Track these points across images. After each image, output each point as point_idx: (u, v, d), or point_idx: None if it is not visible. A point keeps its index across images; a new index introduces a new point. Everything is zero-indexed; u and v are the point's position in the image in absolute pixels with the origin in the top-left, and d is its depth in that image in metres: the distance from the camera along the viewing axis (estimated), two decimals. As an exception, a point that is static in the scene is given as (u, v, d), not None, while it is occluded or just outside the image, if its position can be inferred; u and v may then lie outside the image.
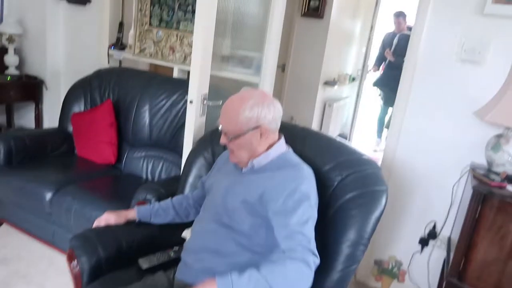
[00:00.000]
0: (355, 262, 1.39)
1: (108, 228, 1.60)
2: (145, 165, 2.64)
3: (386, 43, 5.07)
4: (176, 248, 1.60)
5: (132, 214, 1.63)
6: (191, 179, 1.89)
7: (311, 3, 4.29)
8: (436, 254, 2.24)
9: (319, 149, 1.62)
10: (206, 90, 2.01)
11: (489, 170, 1.87)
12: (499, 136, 1.84)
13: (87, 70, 2.97)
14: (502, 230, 1.67)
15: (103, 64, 3.17)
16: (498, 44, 1.96)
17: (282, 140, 1.45)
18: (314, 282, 1.27)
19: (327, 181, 1.53)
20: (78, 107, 2.84)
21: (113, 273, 1.47)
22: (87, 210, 2.11)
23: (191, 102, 1.98)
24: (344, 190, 1.48)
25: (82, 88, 2.88)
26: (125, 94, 2.76)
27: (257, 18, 2.53)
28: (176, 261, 1.49)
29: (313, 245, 1.20)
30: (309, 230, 1.22)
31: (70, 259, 1.42)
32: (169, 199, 1.72)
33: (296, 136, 1.71)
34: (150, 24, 2.98)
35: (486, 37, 1.97)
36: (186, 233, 1.70)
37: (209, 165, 1.84)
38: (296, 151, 1.49)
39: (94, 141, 2.65)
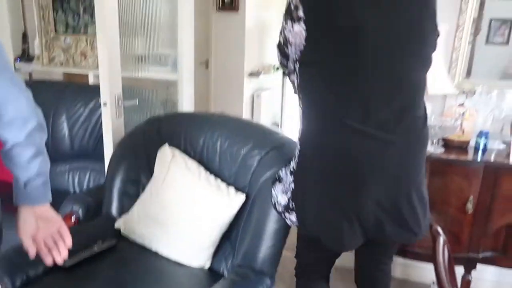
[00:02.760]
0: (284, 234, 1.45)
1: None
2: (71, 178, 2.52)
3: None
4: (99, 241, 1.58)
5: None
6: (117, 184, 1.84)
7: (225, -3, 4.32)
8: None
9: (237, 133, 1.65)
10: (119, 90, 1.96)
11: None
12: (403, 101, 1.99)
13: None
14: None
15: (10, 79, 2.96)
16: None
17: None
18: (247, 261, 1.31)
19: (247, 160, 1.57)
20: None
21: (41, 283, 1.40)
22: (6, 231, 1.97)
23: (105, 104, 1.92)
24: (265, 167, 1.53)
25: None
26: (38, 106, 2.60)
27: (168, 15, 2.50)
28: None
29: None
30: None
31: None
32: None
33: (214, 123, 1.74)
34: (56, 31, 2.84)
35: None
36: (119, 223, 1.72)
37: (142, 166, 1.80)
38: (214, 137, 1.51)
39: (10, 160, 2.47)
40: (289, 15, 1.16)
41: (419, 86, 1.19)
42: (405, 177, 1.21)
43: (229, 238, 1.60)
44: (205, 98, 4.50)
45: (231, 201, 1.52)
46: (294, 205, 1.30)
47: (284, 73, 1.31)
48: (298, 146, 1.29)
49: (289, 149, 1.56)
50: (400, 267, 2.38)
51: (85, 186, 2.48)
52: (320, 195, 1.24)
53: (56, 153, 2.53)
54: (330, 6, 1.10)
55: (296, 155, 1.30)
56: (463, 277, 1.85)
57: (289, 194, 1.32)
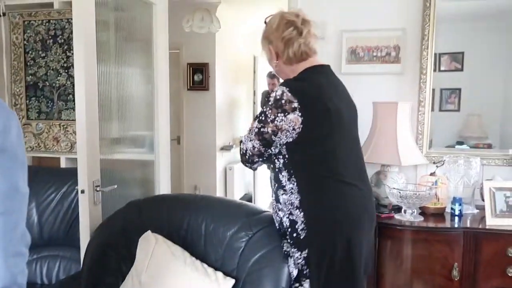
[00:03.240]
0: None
1: None
2: (39, 268, 2.35)
3: (262, 102, 5.42)
4: None
5: None
6: (95, 274, 1.74)
7: (195, 77, 4.51)
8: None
9: (222, 214, 1.64)
10: (97, 177, 1.93)
11: (378, 204, 2.07)
12: (378, 173, 2.07)
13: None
14: (400, 255, 1.82)
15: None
16: (358, 95, 2.26)
17: None
18: None
19: (234, 243, 1.54)
20: None
21: None
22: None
23: (82, 191, 1.87)
24: (253, 250, 1.50)
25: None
26: (5, 195, 2.49)
27: (141, 98, 2.56)
28: None
29: None
30: None
31: None
32: None
33: (197, 205, 1.73)
34: (28, 117, 2.82)
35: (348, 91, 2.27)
36: None
37: (122, 254, 1.73)
38: (198, 219, 1.49)
39: (-29, 254, 2.29)
40: (280, 108, 1.39)
41: None
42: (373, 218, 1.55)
43: (218, 326, 1.52)
44: (177, 173, 4.49)
45: (219, 287, 1.47)
46: (308, 271, 1.42)
47: (248, 161, 1.53)
48: (300, 213, 1.42)
49: (275, 229, 1.56)
50: None
51: (54, 276, 2.32)
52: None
53: (23, 242, 2.39)
54: (318, 96, 1.43)
55: (301, 222, 1.42)
56: None
57: (299, 264, 1.43)
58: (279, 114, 1.38)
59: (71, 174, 2.50)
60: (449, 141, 2.27)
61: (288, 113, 1.37)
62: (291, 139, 1.40)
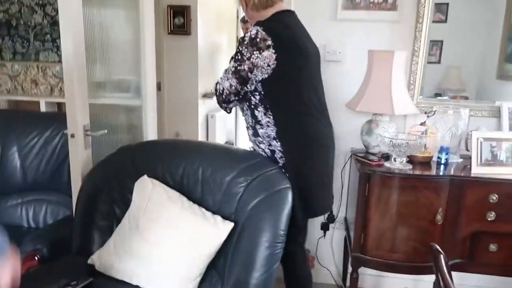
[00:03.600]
0: (276, 261, 1.44)
1: None
2: (24, 212, 2.33)
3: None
4: (73, 283, 1.48)
5: None
6: (88, 217, 1.74)
7: (176, 20, 4.30)
8: (337, 235, 2.46)
9: (219, 160, 1.64)
10: (87, 121, 1.87)
11: (367, 152, 2.12)
12: (370, 122, 2.10)
13: None
14: (388, 201, 1.90)
15: None
16: (353, 43, 2.24)
17: None
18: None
19: (233, 188, 1.56)
20: None
21: None
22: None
23: (72, 136, 1.81)
24: (252, 195, 1.52)
25: None
26: (-17, 138, 2.40)
27: (126, 41, 2.44)
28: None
29: None
30: None
31: None
32: None
33: (192, 151, 1.71)
34: (1, 58, 2.65)
35: (343, 39, 2.24)
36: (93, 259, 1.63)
37: (115, 198, 1.72)
38: (194, 165, 1.48)
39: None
40: (255, 46, 1.48)
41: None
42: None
43: (215, 266, 1.56)
44: (159, 120, 4.40)
45: (218, 230, 1.50)
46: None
47: (225, 101, 1.67)
48: (277, 142, 1.61)
49: (274, 174, 1.58)
50: (371, 278, 2.46)
51: (41, 220, 2.31)
52: (320, 166, 1.68)
53: (6, 186, 2.34)
54: (290, 35, 1.57)
55: (278, 151, 1.62)
56: (434, 284, 1.96)
57: None
58: (254, 52, 1.47)
59: (54, 118, 2.43)
60: (427, 93, 2.31)
61: (263, 50, 1.47)
62: (266, 75, 1.51)
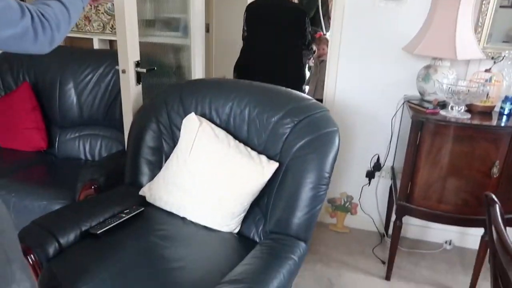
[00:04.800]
0: (319, 202, 1.45)
1: (55, 214, 1.54)
2: (82, 145, 2.47)
3: None
4: (127, 210, 1.59)
5: None
6: (139, 151, 1.81)
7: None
8: (382, 184, 2.42)
9: (266, 101, 1.62)
10: (137, 57, 1.89)
11: (422, 99, 2.00)
12: (427, 67, 1.96)
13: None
14: (440, 151, 1.81)
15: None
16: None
17: None
18: (282, 228, 1.30)
19: (279, 129, 1.55)
20: (-10, 96, 2.55)
21: (73, 251, 1.40)
22: (27, 202, 1.95)
23: (123, 71, 1.85)
24: (298, 136, 1.51)
25: (-10, 74, 2.57)
26: (43, 74, 2.51)
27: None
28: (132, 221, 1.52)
29: None
30: None
31: (26, 254, 1.31)
32: None
33: (240, 90, 1.70)
34: (57, -7, 2.69)
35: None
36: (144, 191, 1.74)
37: (164, 134, 1.78)
38: (241, 105, 1.47)
39: (18, 129, 2.40)
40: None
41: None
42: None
43: (258, 204, 1.60)
44: (206, 63, 4.40)
45: (263, 169, 1.51)
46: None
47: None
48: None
49: (322, 117, 1.55)
50: (416, 227, 2.44)
51: (96, 154, 2.45)
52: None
53: (65, 120, 2.48)
54: (253, 16, 2.96)
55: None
56: (482, 237, 1.91)
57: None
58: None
59: (106, 55, 2.48)
60: (495, 40, 2.08)
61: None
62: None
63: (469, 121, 1.78)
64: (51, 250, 1.38)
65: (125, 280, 1.25)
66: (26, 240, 1.34)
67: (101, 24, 2.68)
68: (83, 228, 1.47)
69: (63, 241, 1.41)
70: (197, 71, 2.54)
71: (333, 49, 2.27)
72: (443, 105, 1.90)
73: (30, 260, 1.32)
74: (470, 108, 1.88)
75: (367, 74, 2.25)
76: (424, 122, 1.80)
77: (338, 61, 2.28)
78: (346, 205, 2.49)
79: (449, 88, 1.75)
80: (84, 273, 1.27)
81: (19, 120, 2.39)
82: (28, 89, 2.43)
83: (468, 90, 1.74)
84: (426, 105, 1.90)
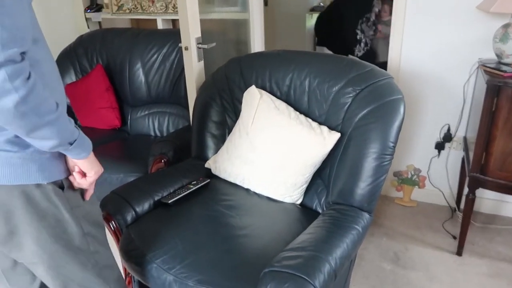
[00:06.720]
0: (383, 173, 1.41)
1: (131, 185, 1.65)
2: (151, 122, 2.62)
3: None
4: (194, 182, 1.68)
5: None
6: (204, 126, 1.88)
7: None
8: (453, 155, 2.28)
9: (326, 70, 1.59)
10: (198, 34, 1.94)
11: (499, 62, 1.84)
12: (506, 26, 1.79)
13: (68, 38, 2.85)
14: (519, 118, 1.67)
15: (83, 29, 3.03)
16: None
17: None
18: (345, 198, 1.29)
19: (340, 99, 1.52)
20: (70, 78, 2.76)
21: (147, 219, 1.52)
22: (106, 174, 2.09)
23: (186, 48, 1.91)
24: (360, 105, 1.47)
25: (68, 58, 2.78)
26: (113, 56, 2.67)
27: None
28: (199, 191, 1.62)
29: None
30: None
31: (107, 220, 1.45)
32: None
33: (299, 62, 1.68)
34: (121, -24, 2.82)
35: None
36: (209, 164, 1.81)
37: (226, 108, 1.83)
38: (301, 76, 1.45)
39: (95, 108, 2.60)
40: None
41: None
42: None
43: (320, 175, 1.60)
44: (267, 35, 4.39)
45: (324, 140, 1.50)
46: None
47: None
48: None
49: (385, 84, 1.49)
50: (490, 202, 2.29)
51: (165, 130, 2.58)
52: None
53: (135, 99, 2.63)
54: None
55: None
56: None
57: None
58: None
59: (169, 35, 2.57)
60: None
61: None
62: None
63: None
64: (129, 217, 1.50)
65: (194, 244, 1.33)
66: (108, 207, 1.48)
67: (164, 4, 2.77)
68: (156, 198, 1.58)
69: (138, 209, 1.53)
70: (257, 46, 2.54)
71: (398, 9, 2.14)
72: (523, 68, 1.73)
73: (111, 226, 1.45)
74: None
75: (436, 34, 2.09)
76: (501, 87, 1.66)
77: (404, 23, 2.14)
78: (413, 178, 2.39)
79: (531, 48, 1.59)
80: (158, 238, 1.37)
81: (95, 100, 2.58)
82: (101, 71, 2.59)
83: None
84: (504, 68, 1.74)
